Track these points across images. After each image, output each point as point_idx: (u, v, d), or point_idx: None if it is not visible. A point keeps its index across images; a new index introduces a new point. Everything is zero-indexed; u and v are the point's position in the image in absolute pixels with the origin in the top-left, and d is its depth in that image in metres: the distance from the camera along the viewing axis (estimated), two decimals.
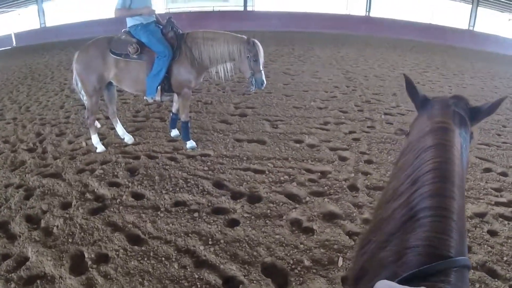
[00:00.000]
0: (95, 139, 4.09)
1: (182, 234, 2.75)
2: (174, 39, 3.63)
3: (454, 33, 16.00)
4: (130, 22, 3.61)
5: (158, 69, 3.54)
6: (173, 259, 2.49)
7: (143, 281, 2.32)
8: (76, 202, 3.21)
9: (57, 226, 2.88)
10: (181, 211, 3.05)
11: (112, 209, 3.08)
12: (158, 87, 3.64)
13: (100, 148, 4.08)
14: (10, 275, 2.39)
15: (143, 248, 2.62)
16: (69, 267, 2.48)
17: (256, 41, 3.61)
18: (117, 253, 2.57)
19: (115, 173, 3.70)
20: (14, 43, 18.16)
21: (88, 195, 3.32)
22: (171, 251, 2.58)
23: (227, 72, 3.81)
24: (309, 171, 3.64)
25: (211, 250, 2.56)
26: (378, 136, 4.42)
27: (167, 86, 3.69)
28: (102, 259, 2.55)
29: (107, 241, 2.69)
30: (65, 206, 3.18)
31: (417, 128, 1.00)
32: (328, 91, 6.41)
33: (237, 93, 6.37)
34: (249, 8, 18.52)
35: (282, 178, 3.46)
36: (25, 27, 19.04)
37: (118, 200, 3.22)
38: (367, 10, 17.65)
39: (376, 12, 17.51)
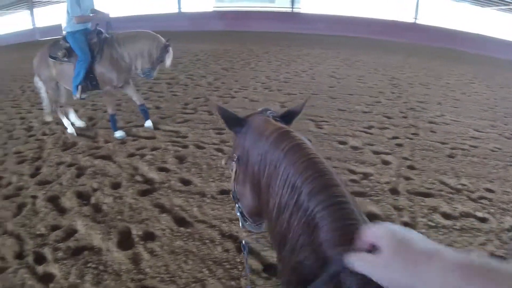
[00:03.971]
0: (65, 122, 5.38)
1: (226, 220, 3.28)
2: (97, 44, 4.78)
3: (502, 45, 16.52)
4: (66, 28, 4.84)
5: (78, 70, 4.74)
6: (217, 242, 3.00)
7: (187, 260, 2.83)
8: (126, 183, 3.92)
9: (107, 204, 3.57)
10: (226, 199, 3.60)
11: (160, 192, 3.72)
12: (79, 87, 4.85)
13: (70, 129, 5.33)
14: (58, 244, 3.07)
15: (188, 230, 3.16)
16: (116, 242, 3.09)
17: (171, 48, 4.88)
18: (164, 232, 3.14)
19: (164, 160, 4.42)
20: (38, 37, 21.49)
21: (137, 178, 4.02)
22: (215, 234, 3.09)
23: (145, 67, 4.91)
24: (351, 172, 4.14)
25: (253, 237, 3.00)
26: (422, 143, 5.03)
27: (89, 85, 4.94)
28: (149, 237, 3.13)
29: (155, 221, 3.29)
30: (115, 186, 3.91)
31: (253, 147, 1.14)
32: (373, 96, 7.18)
33: (283, 93, 7.19)
34: (295, 10, 20.61)
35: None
36: (47, 23, 22.86)
37: (167, 184, 3.87)
38: (415, 17, 18.90)
39: (424, 20, 18.97)
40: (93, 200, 3.66)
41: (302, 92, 7.13)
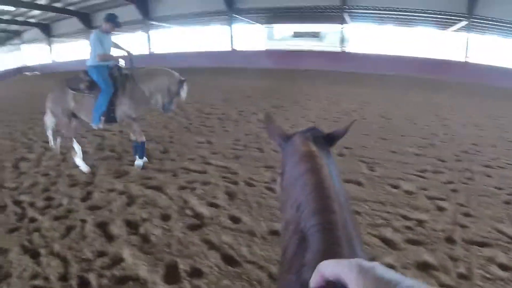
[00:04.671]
0: (79, 161, 5.42)
1: (275, 262, 3.18)
2: (119, 78, 5.21)
3: None
4: (89, 62, 5.19)
5: (100, 102, 5.07)
6: (265, 285, 2.91)
7: None
8: (176, 215, 3.97)
9: (155, 235, 3.61)
10: (276, 240, 3.51)
11: (209, 228, 3.71)
12: (101, 117, 5.15)
13: (84, 168, 5.37)
14: (103, 271, 3.11)
15: (236, 269, 3.11)
16: (162, 275, 3.07)
17: (186, 84, 5.39)
18: (211, 269, 3.10)
19: (215, 195, 4.45)
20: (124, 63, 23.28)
21: (187, 211, 4.06)
22: (264, 276, 3.01)
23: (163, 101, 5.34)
24: (405, 217, 4.01)
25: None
26: (477, 188, 4.85)
27: (109, 116, 5.23)
28: (196, 273, 3.09)
29: (203, 257, 3.26)
30: (165, 218, 3.96)
31: (288, 163, 1.27)
32: (425, 138, 7.07)
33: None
34: (344, 49, 21.56)
35: (378, 222, 3.87)
36: (134, 52, 24.56)
37: (216, 220, 3.86)
38: (466, 55, 18.82)
39: (474, 58, 18.83)
40: (141, 230, 3.72)
41: (353, 132, 6.98)
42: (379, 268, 0.57)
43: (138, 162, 5.42)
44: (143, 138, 5.38)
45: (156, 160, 5.65)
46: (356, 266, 0.58)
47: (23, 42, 35.82)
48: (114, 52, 5.45)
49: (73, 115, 5.34)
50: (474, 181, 5.10)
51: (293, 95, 11.44)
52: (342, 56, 20.85)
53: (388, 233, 3.69)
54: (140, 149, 5.41)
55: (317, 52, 21.39)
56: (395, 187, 4.79)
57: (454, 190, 4.74)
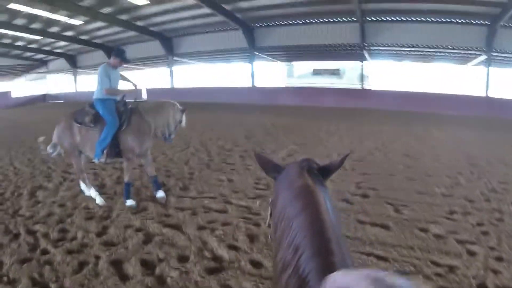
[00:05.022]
0: (93, 193, 5.46)
1: None
2: (124, 112, 5.21)
3: None
4: (95, 95, 5.24)
5: (105, 135, 5.03)
6: None
7: None
8: (194, 257, 3.81)
9: (172, 278, 3.46)
10: None
11: (229, 272, 3.54)
12: (104, 151, 5.11)
13: (99, 200, 5.36)
14: None
15: None
16: None
17: (186, 113, 5.65)
18: None
19: (235, 237, 4.28)
20: (145, 97, 24.31)
21: (206, 253, 3.90)
22: None
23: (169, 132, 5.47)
24: (436, 264, 3.82)
25: None
26: (508, 229, 4.69)
27: (113, 151, 5.16)
28: None
29: None
30: (182, 259, 3.81)
31: (281, 195, 1.26)
32: (451, 177, 6.87)
33: (357, 172, 7.01)
34: (365, 87, 21.90)
35: (407, 269, 3.69)
36: (156, 85, 27.77)
37: (236, 265, 3.68)
38: (486, 90, 18.74)
39: (496, 93, 18.75)
40: (157, 271, 3.58)
41: (377, 172, 6.91)
42: (390, 277, 0.60)
43: (130, 203, 5.26)
44: (127, 179, 5.31)
45: (176, 198, 5.56)
46: (368, 276, 0.61)
47: (49, 71, 37.08)
48: (121, 85, 5.62)
49: (79, 150, 5.41)
50: (504, 222, 4.93)
51: (314, 133, 11.38)
52: (362, 93, 21.11)
53: (419, 281, 3.47)
54: (126, 190, 5.31)
55: (336, 89, 21.73)
56: (424, 230, 4.61)
57: (484, 233, 4.56)
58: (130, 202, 5.26)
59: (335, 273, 0.73)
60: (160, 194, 5.46)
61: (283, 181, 1.36)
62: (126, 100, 5.43)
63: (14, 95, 33.29)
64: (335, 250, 0.98)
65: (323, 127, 12.41)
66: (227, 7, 18.67)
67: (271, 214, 1.42)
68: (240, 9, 19.31)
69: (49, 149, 5.62)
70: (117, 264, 3.71)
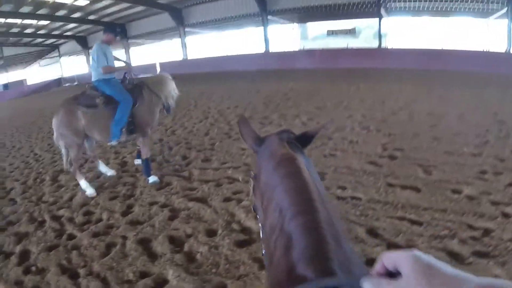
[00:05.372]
0: (83, 184, 5.17)
1: None
2: (134, 89, 5.17)
3: None
4: (97, 78, 5.11)
5: (121, 114, 4.93)
6: None
7: None
8: (222, 231, 3.72)
9: (201, 253, 3.38)
10: None
11: (259, 244, 3.43)
12: (123, 130, 5.02)
13: (90, 191, 5.09)
14: None
15: None
16: None
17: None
18: None
19: None
20: (158, 71, 24.51)
21: (234, 226, 3.81)
22: None
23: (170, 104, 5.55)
24: (470, 227, 3.67)
25: None
26: None
27: (129, 129, 5.10)
28: None
29: (253, 278, 2.99)
30: (210, 233, 3.73)
31: (264, 167, 1.29)
32: (479, 136, 6.56)
33: (382, 133, 6.79)
34: (381, 44, 20.84)
35: (441, 233, 3.54)
36: (169, 58, 27.79)
37: None
38: (508, 47, 17.73)
39: None
40: (186, 247, 3.51)
41: (403, 132, 6.68)
42: (433, 259, 0.61)
43: (152, 179, 5.22)
44: (147, 155, 5.30)
45: (198, 170, 5.47)
46: (413, 255, 0.62)
47: (61, 55, 37.30)
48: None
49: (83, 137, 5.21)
50: None
51: (334, 96, 11.01)
52: (380, 53, 20.20)
53: (454, 246, 3.35)
54: (146, 166, 5.28)
55: (353, 50, 21.00)
56: (456, 192, 4.42)
57: None
58: (153, 179, 5.22)
59: (385, 252, 0.70)
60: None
61: (264, 152, 1.38)
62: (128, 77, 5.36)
63: (29, 82, 33.84)
64: (319, 208, 1.01)
65: (343, 89, 12.01)
66: None
67: (254, 188, 1.42)
68: None
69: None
70: (144, 243, 3.67)
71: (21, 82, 33.33)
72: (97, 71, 5.07)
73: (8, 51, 32.39)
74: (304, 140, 1.46)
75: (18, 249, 3.96)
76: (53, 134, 5.29)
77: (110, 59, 5.19)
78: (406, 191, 4.44)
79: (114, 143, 5.21)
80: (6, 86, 32.79)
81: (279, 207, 1.06)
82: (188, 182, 5.05)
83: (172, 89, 5.53)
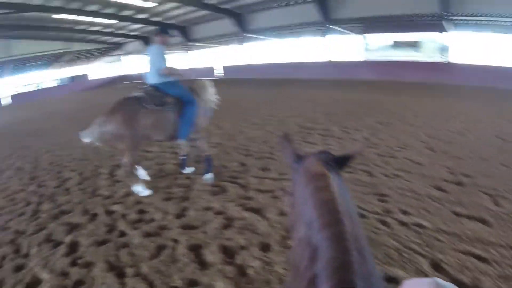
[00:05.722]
0: (138, 187, 5.10)
1: None
2: (191, 91, 5.33)
3: None
4: (157, 79, 5.15)
5: (190, 113, 5.14)
6: None
7: None
8: (277, 246, 3.55)
9: (253, 268, 3.21)
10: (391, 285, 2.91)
11: None
12: (190, 129, 5.21)
13: (146, 192, 5.08)
14: None
15: None
16: None
17: None
18: None
19: None
20: (222, 74, 25.21)
21: (290, 243, 3.60)
22: None
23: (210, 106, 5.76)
24: None
25: None
26: None
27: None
28: None
29: None
30: (265, 248, 3.56)
31: (298, 182, 1.38)
32: None
33: (449, 155, 6.31)
34: (447, 60, 19.67)
35: (510, 274, 3.15)
36: (229, 63, 28.86)
37: None
38: None
39: None
40: (238, 259, 3.36)
41: (470, 155, 6.20)
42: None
43: (210, 176, 5.43)
44: (208, 153, 5.59)
45: (255, 178, 5.33)
46: (434, 283, 0.69)
47: (125, 54, 38.93)
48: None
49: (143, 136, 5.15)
50: None
51: (398, 110, 10.49)
52: (444, 68, 19.17)
53: None
54: (208, 164, 5.49)
55: (417, 63, 20.11)
56: None
57: None
58: (210, 176, 5.39)
59: (407, 280, 0.81)
60: (188, 170, 5.77)
61: (301, 169, 1.45)
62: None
63: (91, 77, 35.61)
64: (345, 221, 1.06)
65: (407, 104, 11.42)
66: None
67: (288, 203, 1.53)
68: None
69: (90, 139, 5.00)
70: (196, 250, 3.58)
71: (83, 77, 35.31)
72: (157, 72, 5.11)
73: (75, 46, 34.20)
74: (341, 162, 1.51)
75: (68, 239, 4.01)
76: (93, 130, 4.93)
77: (167, 61, 5.23)
78: (474, 222, 4.08)
79: (182, 141, 5.41)
80: (72, 79, 35.37)
81: (308, 220, 1.13)
82: (244, 190, 4.92)
83: (211, 93, 5.76)
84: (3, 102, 29.14)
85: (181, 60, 32.47)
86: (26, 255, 3.80)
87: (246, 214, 4.20)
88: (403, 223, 4.02)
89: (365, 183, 5.10)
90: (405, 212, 4.26)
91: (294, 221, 1.36)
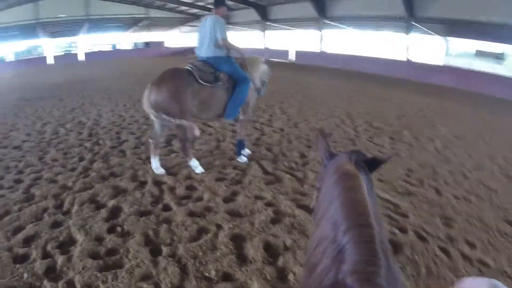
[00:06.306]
0: (194, 162, 4.88)
1: None
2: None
3: None
4: (211, 52, 4.84)
5: (242, 93, 4.88)
6: None
7: None
8: None
9: (294, 274, 2.90)
10: None
11: None
12: (239, 108, 5.00)
13: (200, 169, 4.85)
14: None
15: None
16: None
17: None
18: None
19: None
20: (294, 59, 24.85)
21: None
22: None
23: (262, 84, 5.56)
24: None
25: None
26: None
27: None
28: None
29: None
30: None
31: (327, 179, 1.42)
32: None
33: None
34: None
35: None
36: (305, 48, 28.27)
37: None
38: None
39: None
40: (280, 261, 3.06)
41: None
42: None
43: (244, 159, 5.31)
44: (243, 136, 5.41)
45: (314, 173, 4.93)
46: (489, 283, 0.69)
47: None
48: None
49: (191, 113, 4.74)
50: None
51: (475, 124, 9.49)
52: None
53: None
54: (240, 147, 5.35)
55: (500, 77, 18.32)
56: None
57: None
58: (243, 159, 5.30)
59: (464, 278, 0.81)
60: (243, 158, 5.36)
61: (331, 166, 1.44)
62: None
63: (167, 45, 36.51)
64: (373, 223, 1.05)
65: (485, 120, 10.34)
66: None
67: (316, 199, 1.51)
68: None
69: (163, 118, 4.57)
70: (237, 241, 3.33)
71: (160, 44, 36.32)
72: (214, 45, 4.80)
73: (153, 13, 35.14)
74: (373, 164, 1.46)
75: (111, 203, 3.92)
76: (148, 105, 4.53)
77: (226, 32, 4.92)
78: None
79: (230, 120, 5.23)
80: (147, 44, 36.42)
81: (334, 219, 1.12)
82: (300, 184, 4.56)
83: (263, 72, 5.54)
84: (79, 58, 30.43)
85: (257, 39, 32.41)
86: (67, 212, 3.77)
87: (298, 212, 3.85)
88: (465, 257, 3.51)
89: (432, 201, 4.56)
90: (470, 244, 3.73)
91: (319, 219, 1.33)
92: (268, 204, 3.99)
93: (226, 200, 4.07)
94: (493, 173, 5.89)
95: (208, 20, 4.85)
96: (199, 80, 4.65)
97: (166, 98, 4.45)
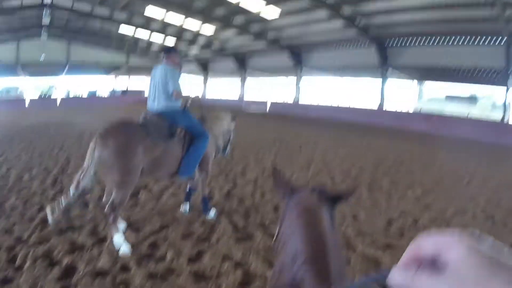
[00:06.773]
0: (119, 238, 3.88)
1: None
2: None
3: None
4: (167, 106, 4.48)
5: (199, 149, 4.50)
6: None
7: None
8: None
9: None
10: None
11: None
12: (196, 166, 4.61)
13: (124, 249, 3.83)
14: None
15: None
16: None
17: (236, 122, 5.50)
18: None
19: None
20: (267, 110, 28.05)
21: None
22: None
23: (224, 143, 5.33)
24: None
25: None
26: None
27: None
28: None
29: None
30: None
31: (288, 214, 1.44)
32: None
33: (510, 229, 5.42)
34: (506, 118, 18.64)
35: None
36: (280, 99, 29.91)
37: None
38: None
39: None
40: None
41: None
42: (492, 245, 0.47)
43: (212, 213, 4.98)
44: (206, 193, 5.04)
45: None
46: (467, 244, 0.46)
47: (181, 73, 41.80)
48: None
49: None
50: None
51: (453, 169, 9.46)
52: (504, 128, 17.83)
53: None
54: (205, 204, 4.98)
55: (473, 120, 19.18)
56: None
57: None
58: (213, 213, 4.98)
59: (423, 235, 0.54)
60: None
61: (292, 202, 1.46)
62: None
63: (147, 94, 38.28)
64: (330, 258, 1.11)
65: (462, 163, 10.43)
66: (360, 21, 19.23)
67: (278, 231, 1.51)
68: (374, 25, 19.62)
69: (77, 188, 3.83)
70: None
71: (140, 93, 37.13)
72: (167, 97, 4.46)
73: (133, 61, 36.99)
74: (335, 199, 1.49)
75: (65, 260, 3.58)
76: (90, 161, 3.76)
77: (180, 83, 4.63)
78: None
79: (184, 179, 4.93)
80: (124, 92, 37.39)
81: (294, 252, 1.18)
82: (271, 241, 4.25)
83: (228, 129, 5.30)
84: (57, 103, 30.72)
85: (235, 88, 33.98)
86: (19, 268, 3.43)
87: (270, 272, 3.51)
88: None
89: None
90: None
91: (279, 251, 1.36)
92: (237, 265, 3.66)
93: (191, 260, 3.73)
94: (475, 217, 5.75)
95: (159, 70, 4.52)
96: (153, 135, 4.16)
97: (115, 155, 3.77)
